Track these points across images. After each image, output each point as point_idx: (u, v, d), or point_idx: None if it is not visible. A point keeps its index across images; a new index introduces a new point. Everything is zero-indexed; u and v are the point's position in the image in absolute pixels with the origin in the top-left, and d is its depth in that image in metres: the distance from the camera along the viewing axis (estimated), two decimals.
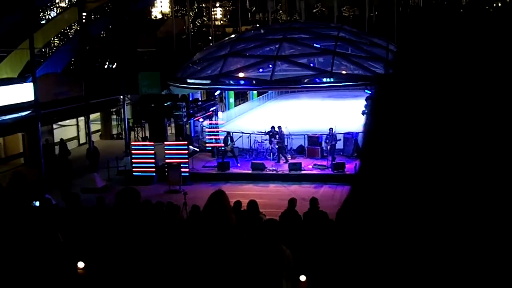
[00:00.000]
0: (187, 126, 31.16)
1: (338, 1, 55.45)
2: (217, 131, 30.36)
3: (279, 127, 27.02)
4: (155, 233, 6.45)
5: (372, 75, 27.99)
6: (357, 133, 27.27)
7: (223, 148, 27.76)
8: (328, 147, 26.35)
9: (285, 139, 27.61)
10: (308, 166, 26.12)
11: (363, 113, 26.18)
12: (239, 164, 26.90)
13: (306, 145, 28.36)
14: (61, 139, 29.69)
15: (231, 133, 28.33)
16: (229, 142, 27.42)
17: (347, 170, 24.96)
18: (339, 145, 27.09)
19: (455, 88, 1.13)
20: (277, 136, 26.81)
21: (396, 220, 1.10)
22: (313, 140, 28.17)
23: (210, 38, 50.54)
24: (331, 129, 26.55)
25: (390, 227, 1.10)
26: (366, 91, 30.58)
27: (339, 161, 25.87)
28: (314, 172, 25.61)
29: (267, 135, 27.29)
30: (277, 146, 26.86)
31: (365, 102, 26.89)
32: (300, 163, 25.88)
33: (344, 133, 27.76)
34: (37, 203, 9.74)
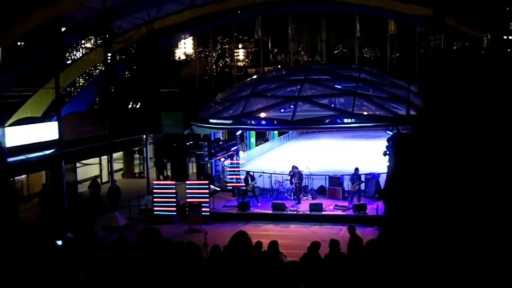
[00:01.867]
0: (209, 165, 31.30)
1: (359, 43, 55.89)
2: (238, 171, 30.45)
3: (295, 168, 26.98)
4: (176, 272, 6.46)
5: (393, 116, 27.97)
6: (379, 174, 27.11)
7: (244, 187, 27.78)
8: (357, 187, 26.20)
9: (303, 179, 27.46)
10: (329, 206, 25.96)
11: (384, 154, 26.08)
12: (259, 204, 26.85)
13: (327, 185, 28.24)
14: (95, 177, 30.22)
15: (251, 172, 28.37)
16: (250, 181, 27.45)
17: (368, 211, 24.75)
18: (361, 186, 26.93)
19: (481, 136, 1.17)
20: (295, 176, 26.76)
21: (423, 261, 1.13)
22: (334, 180, 28.05)
23: (233, 78, 51.07)
24: (357, 169, 26.44)
25: (416, 266, 1.13)
26: (387, 132, 30.52)
27: (361, 202, 25.70)
28: (335, 213, 25.43)
29: (288, 175, 27.27)
30: (295, 186, 26.75)
31: (386, 143, 26.80)
32: (321, 204, 25.74)
33: (365, 174, 27.62)
34: (60, 242, 9.82)
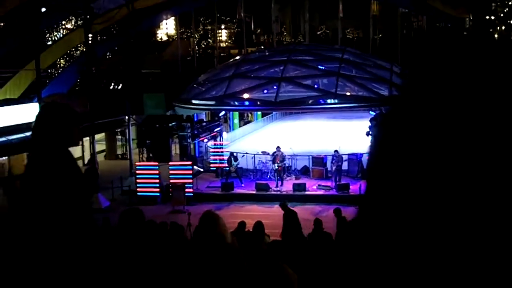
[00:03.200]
0: (192, 146, 31.22)
1: (342, 24, 55.79)
2: (222, 152, 30.42)
3: (278, 149, 26.95)
4: (160, 252, 6.45)
5: (376, 97, 28.06)
6: (361, 154, 27.25)
7: (227, 168, 27.78)
8: (334, 168, 26.29)
9: (285, 161, 27.39)
10: (313, 186, 26.08)
11: (367, 134, 26.22)
12: (243, 185, 26.88)
13: (311, 165, 28.35)
14: (92, 152, 30.12)
15: (234, 153, 28.37)
16: (233, 162, 27.44)
17: (351, 191, 24.91)
18: (344, 166, 27.06)
19: (463, 116, 1.15)
20: (277, 157, 26.71)
21: (403, 241, 1.12)
22: (318, 160, 28.17)
23: (215, 59, 50.82)
24: (336, 150, 26.54)
25: (396, 249, 1.11)
26: (370, 112, 30.65)
27: (344, 182, 25.84)
28: (319, 193, 25.56)
29: (271, 157, 27.29)
30: (276, 168, 26.70)
31: (369, 123, 26.93)
32: (305, 184, 25.84)
33: (348, 154, 27.75)
34: None
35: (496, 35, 20.90)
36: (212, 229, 4.63)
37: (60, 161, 2.97)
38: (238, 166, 27.95)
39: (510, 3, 22.03)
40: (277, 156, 26.68)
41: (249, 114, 48.68)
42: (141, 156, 34.24)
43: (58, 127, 3.06)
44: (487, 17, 23.30)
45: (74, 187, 2.99)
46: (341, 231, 11.32)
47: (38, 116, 3.20)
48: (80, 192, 3.02)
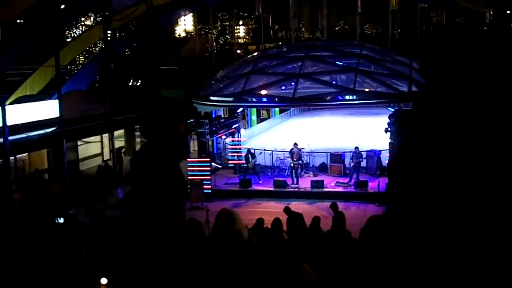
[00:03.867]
0: (210, 143, 31.28)
1: (360, 19, 55.44)
2: (240, 148, 30.44)
3: (296, 145, 26.89)
4: (178, 249, 6.46)
5: (395, 93, 27.85)
6: (380, 151, 27.09)
7: (245, 165, 27.80)
8: (352, 164, 26.17)
9: (302, 158, 27.29)
10: (331, 183, 25.99)
11: (386, 130, 26.04)
12: (260, 181, 26.89)
13: (329, 162, 28.26)
14: (119, 148, 30.46)
15: (252, 150, 28.38)
16: (251, 159, 27.45)
17: (370, 188, 24.79)
18: (362, 163, 26.93)
19: (483, 113, 1.13)
20: (294, 154, 26.63)
21: (427, 236, 1.11)
22: (336, 157, 28.07)
23: (233, 56, 50.83)
24: (356, 148, 26.38)
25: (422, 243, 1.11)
26: (389, 108, 30.42)
27: (362, 179, 25.72)
28: (337, 189, 25.46)
29: (289, 154, 27.23)
30: (292, 165, 26.61)
31: (388, 120, 26.73)
32: (323, 181, 25.77)
33: (367, 151, 27.61)
34: (62, 220, 9.83)
35: None
36: (229, 226, 4.63)
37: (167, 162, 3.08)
38: (256, 163, 27.95)
39: None
40: (294, 153, 26.63)
41: (264, 112, 48.48)
42: None
43: (165, 121, 3.21)
44: (508, 12, 22.99)
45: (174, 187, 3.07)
46: (337, 226, 11.24)
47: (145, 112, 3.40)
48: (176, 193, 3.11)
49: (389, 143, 25.95)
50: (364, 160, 27.23)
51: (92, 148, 34.54)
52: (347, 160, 27.41)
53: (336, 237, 11.02)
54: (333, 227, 11.54)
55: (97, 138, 34.81)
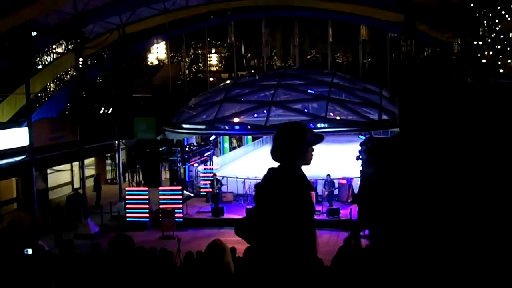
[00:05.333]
0: (182, 171, 31.14)
1: (332, 48, 56.29)
2: (212, 176, 30.40)
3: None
4: (149, 280, 6.37)
5: (366, 121, 28.19)
6: (351, 179, 27.25)
7: (214, 191, 27.70)
8: (326, 193, 26.25)
9: None
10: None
11: (357, 158, 26.26)
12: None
13: None
14: (97, 175, 30.15)
15: (219, 176, 28.40)
16: (215, 184, 27.41)
17: (342, 215, 24.87)
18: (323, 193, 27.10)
19: (456, 142, 1.17)
20: None
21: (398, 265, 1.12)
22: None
23: (206, 83, 51.03)
24: (328, 175, 26.48)
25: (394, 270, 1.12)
26: (360, 136, 30.75)
27: (334, 206, 25.79)
28: None
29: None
30: None
31: (359, 147, 26.99)
32: None
33: (338, 179, 27.75)
34: (30, 251, 9.64)
35: (483, 60, 21.16)
36: (219, 258, 4.61)
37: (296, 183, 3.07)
38: (227, 191, 27.94)
39: (497, 28, 22.30)
40: None
41: (234, 140, 48.44)
42: (130, 180, 34.12)
43: (296, 144, 3.23)
44: (475, 42, 23.58)
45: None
46: None
47: (278, 132, 3.43)
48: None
49: (360, 171, 26.16)
50: (336, 189, 27.35)
51: (62, 176, 34.10)
52: (319, 188, 27.49)
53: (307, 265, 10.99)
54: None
55: (67, 166, 34.40)
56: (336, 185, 27.31)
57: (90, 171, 35.20)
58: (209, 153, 32.52)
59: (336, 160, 35.26)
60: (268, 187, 3.18)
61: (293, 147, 3.18)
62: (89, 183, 32.06)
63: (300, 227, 2.58)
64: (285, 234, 2.87)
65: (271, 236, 2.99)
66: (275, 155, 3.33)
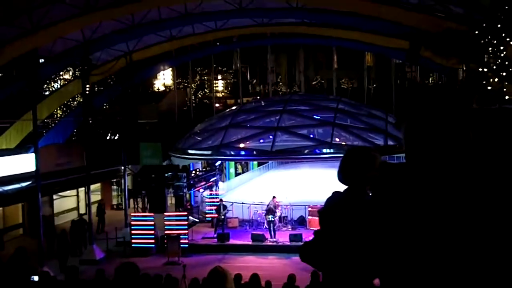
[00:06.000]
0: (187, 196, 31.13)
1: (337, 74, 56.60)
2: (218, 202, 30.38)
3: (273, 198, 26.86)
4: None
5: (371, 146, 28.19)
6: None
7: (221, 217, 27.61)
8: None
9: (275, 213, 26.89)
10: (309, 237, 25.83)
11: None
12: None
13: (307, 215, 28.22)
14: (100, 200, 30.20)
15: (224, 201, 28.32)
16: (222, 210, 27.32)
17: None
18: None
19: (461, 169, 1.21)
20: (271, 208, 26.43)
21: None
22: (314, 210, 28.04)
23: (212, 109, 51.27)
24: None
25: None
26: None
27: None
28: None
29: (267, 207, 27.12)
30: (269, 219, 26.34)
31: None
32: (301, 234, 25.65)
33: None
34: (36, 278, 9.64)
35: (489, 87, 21.20)
36: (220, 285, 4.61)
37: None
38: (232, 216, 27.87)
39: (502, 55, 22.37)
40: (270, 207, 26.49)
41: (239, 166, 48.46)
42: (136, 206, 34.10)
43: (366, 171, 3.30)
44: (480, 69, 23.67)
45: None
46: (314, 281, 11.22)
47: (349, 156, 3.51)
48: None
49: None
50: None
51: (68, 202, 34.15)
52: None
53: None
54: (311, 282, 11.49)
55: (73, 192, 34.47)
56: None
57: (96, 197, 35.23)
58: (214, 178, 32.52)
59: (342, 186, 35.19)
60: (337, 211, 3.26)
61: (363, 173, 3.28)
62: (95, 208, 32.11)
63: (369, 254, 2.60)
64: (355, 260, 2.90)
65: (340, 262, 3.03)
66: (343, 178, 3.45)
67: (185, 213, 26.77)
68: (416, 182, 2.08)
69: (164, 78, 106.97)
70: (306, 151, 29.28)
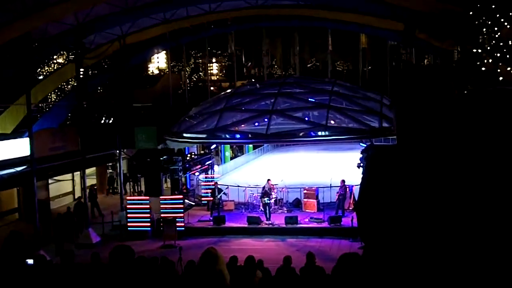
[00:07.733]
0: (183, 180, 31.14)
1: (332, 56, 56.42)
2: (213, 185, 30.43)
3: (268, 181, 26.92)
4: None
5: (366, 129, 28.20)
6: (352, 186, 27.26)
7: (216, 200, 27.65)
8: (341, 198, 26.39)
9: (270, 196, 26.93)
10: (305, 219, 25.99)
11: (358, 166, 26.26)
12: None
13: (302, 198, 28.32)
14: (91, 185, 30.23)
15: (219, 185, 28.35)
16: (217, 193, 27.35)
17: (343, 223, 24.85)
18: (334, 198, 27.09)
19: (451, 150, 1.21)
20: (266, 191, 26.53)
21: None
22: (310, 193, 28.15)
23: (207, 92, 51.11)
24: (343, 181, 26.57)
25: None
26: (360, 144, 30.75)
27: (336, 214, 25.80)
28: (311, 225, 25.46)
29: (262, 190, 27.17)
30: (264, 202, 26.44)
31: (360, 155, 27.00)
32: (297, 217, 25.76)
33: (339, 186, 27.76)
34: (31, 261, 9.64)
35: (483, 68, 21.17)
36: (211, 266, 4.63)
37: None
38: (228, 199, 27.90)
39: (496, 36, 22.32)
40: (266, 190, 26.54)
41: (231, 151, 48.37)
42: (132, 190, 34.13)
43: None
44: (475, 50, 23.57)
45: None
46: (310, 263, 11.26)
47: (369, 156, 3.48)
48: None
49: (361, 178, 26.12)
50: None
51: (63, 186, 34.14)
52: (321, 196, 27.55)
53: (309, 274, 11.01)
54: (306, 264, 11.54)
55: (68, 176, 34.44)
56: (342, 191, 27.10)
57: (91, 181, 35.25)
58: (210, 162, 32.53)
59: (337, 168, 35.30)
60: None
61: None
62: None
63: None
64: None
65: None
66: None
67: (181, 196, 26.81)
68: (407, 162, 2.08)
69: (158, 62, 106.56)
70: (301, 134, 29.26)
